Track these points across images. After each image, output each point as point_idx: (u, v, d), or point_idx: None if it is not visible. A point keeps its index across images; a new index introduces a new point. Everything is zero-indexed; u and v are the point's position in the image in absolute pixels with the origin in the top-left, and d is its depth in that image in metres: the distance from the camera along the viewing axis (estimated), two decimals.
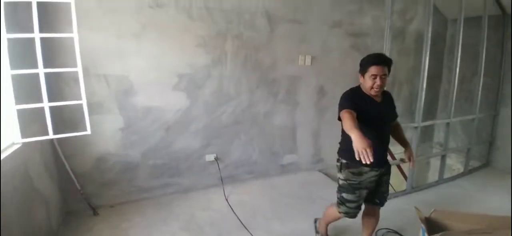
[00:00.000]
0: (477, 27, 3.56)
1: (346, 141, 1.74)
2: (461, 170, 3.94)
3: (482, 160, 4.27)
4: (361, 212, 1.97)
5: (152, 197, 2.94)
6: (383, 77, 1.66)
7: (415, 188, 3.29)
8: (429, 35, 2.90)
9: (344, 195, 1.84)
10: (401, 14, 3.99)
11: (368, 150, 1.34)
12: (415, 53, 4.15)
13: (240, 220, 2.57)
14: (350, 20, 3.57)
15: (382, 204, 1.97)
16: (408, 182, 3.24)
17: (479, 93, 3.70)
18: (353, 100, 1.69)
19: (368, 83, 1.69)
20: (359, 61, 1.79)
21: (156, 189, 2.98)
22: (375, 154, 1.40)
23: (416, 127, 3.09)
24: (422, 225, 1.78)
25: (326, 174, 3.71)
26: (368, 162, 1.34)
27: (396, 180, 3.66)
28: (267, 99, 3.32)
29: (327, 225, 2.24)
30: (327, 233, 2.28)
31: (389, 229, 2.44)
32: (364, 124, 1.63)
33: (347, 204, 1.84)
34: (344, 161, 1.83)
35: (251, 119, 3.30)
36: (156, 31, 2.64)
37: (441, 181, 3.52)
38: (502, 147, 4.11)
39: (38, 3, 1.67)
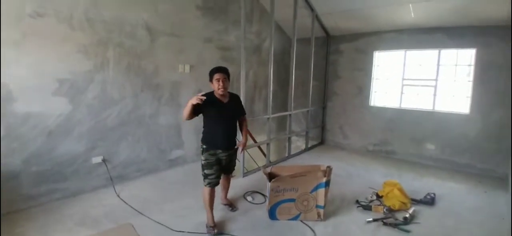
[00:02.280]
0: (310, 45, 5.06)
1: (204, 131, 2.53)
2: (303, 147, 5.45)
3: (318, 140, 5.98)
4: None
5: (39, 204, 2.89)
6: (223, 80, 2.39)
7: (272, 162, 4.43)
8: (272, 51, 4.01)
9: (206, 171, 2.50)
10: (257, 34, 5.19)
11: (195, 98, 2.15)
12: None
13: (134, 208, 2.89)
14: (219, 37, 4.44)
15: (230, 172, 2.85)
16: (266, 158, 4.34)
17: (311, 92, 5.26)
18: (205, 102, 2.30)
19: (215, 85, 2.39)
20: (227, 70, 2.54)
21: (42, 195, 2.92)
22: (223, 140, 2.45)
23: (268, 118, 4.20)
24: (266, 177, 2.70)
25: None
26: (199, 102, 2.15)
27: (260, 158, 4.75)
28: (152, 102, 3.74)
29: (209, 211, 2.56)
30: (214, 221, 2.57)
31: (253, 190, 3.35)
32: (215, 118, 2.44)
33: (209, 177, 2.49)
34: (204, 146, 2.50)
35: (137, 121, 3.64)
36: (37, 39, 2.70)
37: (289, 156, 4.83)
38: (330, 129, 5.90)
39: None
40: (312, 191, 2.62)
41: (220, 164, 2.55)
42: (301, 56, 4.82)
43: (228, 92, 2.53)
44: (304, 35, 5.07)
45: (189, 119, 2.36)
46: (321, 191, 2.60)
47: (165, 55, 3.80)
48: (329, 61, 5.73)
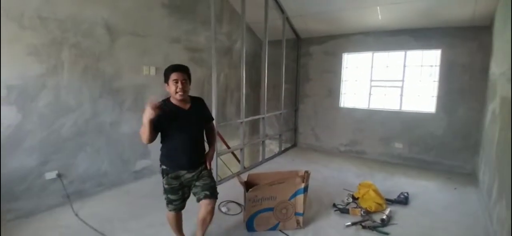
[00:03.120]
0: (281, 47, 5.00)
1: (163, 148, 2.01)
2: (277, 150, 5.37)
3: (291, 142, 5.95)
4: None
5: None
6: (183, 82, 1.88)
7: (246, 168, 4.28)
8: (244, 53, 3.86)
9: (170, 196, 2.03)
10: (228, 35, 5.02)
11: (148, 107, 1.68)
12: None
13: (94, 229, 2.57)
14: (187, 37, 4.20)
15: (213, 195, 2.06)
16: (241, 164, 4.18)
17: (283, 95, 5.20)
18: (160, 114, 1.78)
19: (172, 88, 1.88)
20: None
21: None
22: (187, 158, 1.94)
23: (241, 122, 4.05)
24: (243, 186, 2.54)
25: None
26: (158, 112, 1.70)
27: (234, 163, 4.58)
28: (113, 108, 3.41)
29: (177, 232, 2.27)
30: None
31: (228, 200, 3.17)
32: (175, 131, 1.92)
33: (174, 203, 2.04)
34: (164, 167, 2.00)
35: (97, 130, 3.29)
36: None
37: (264, 160, 4.72)
38: (303, 132, 5.89)
39: None
40: (291, 198, 2.50)
41: (188, 186, 2.08)
42: (272, 58, 4.75)
43: (189, 96, 2.02)
44: (275, 37, 5.02)
45: (151, 141, 1.84)
46: (300, 197, 2.50)
47: (128, 56, 3.49)
48: (300, 63, 5.73)
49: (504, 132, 2.54)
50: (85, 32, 3.07)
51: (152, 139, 1.84)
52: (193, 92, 2.12)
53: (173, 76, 1.88)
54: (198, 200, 2.06)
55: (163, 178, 2.04)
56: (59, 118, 2.96)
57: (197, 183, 2.06)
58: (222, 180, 3.74)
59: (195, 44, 4.33)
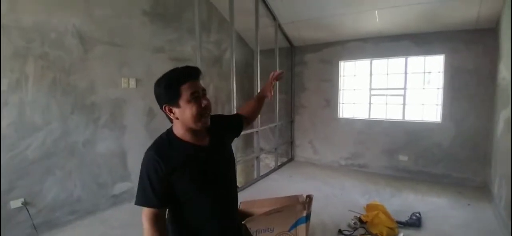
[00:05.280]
0: (274, 56, 4.70)
1: (176, 228, 1.14)
2: (273, 165, 5.00)
3: (287, 156, 5.59)
4: None
5: None
6: (205, 95, 1.11)
7: (239, 188, 3.90)
8: (234, 62, 3.55)
9: None
10: (217, 44, 4.71)
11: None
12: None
13: None
14: (171, 47, 3.87)
15: None
16: None
17: (277, 106, 4.87)
18: (158, 170, 1.02)
19: (189, 110, 1.04)
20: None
21: None
22: (221, 229, 1.12)
23: None
24: None
25: None
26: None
27: None
28: (87, 125, 3.04)
29: None
30: None
31: None
32: (199, 192, 1.09)
33: None
34: None
35: (68, 150, 2.91)
36: None
37: (259, 177, 4.34)
38: (300, 145, 5.54)
39: None
40: (291, 228, 2.13)
41: None
42: (265, 68, 4.45)
43: None
44: (268, 46, 4.74)
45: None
46: (301, 227, 2.13)
47: (103, 68, 3.14)
48: (295, 72, 5.44)
49: None
50: (53, 42, 2.74)
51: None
52: None
53: (189, 88, 1.04)
54: None
55: None
56: (24, 138, 2.61)
57: None
58: None
59: (181, 53, 4.00)
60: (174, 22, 3.90)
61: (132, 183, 3.49)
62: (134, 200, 1.09)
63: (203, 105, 1.06)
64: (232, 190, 1.22)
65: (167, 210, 1.12)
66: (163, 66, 3.71)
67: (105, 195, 3.27)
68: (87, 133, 3.04)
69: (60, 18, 2.77)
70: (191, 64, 1.15)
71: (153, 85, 1.09)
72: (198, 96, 1.05)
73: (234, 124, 1.38)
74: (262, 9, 4.17)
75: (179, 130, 1.10)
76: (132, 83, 3.38)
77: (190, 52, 4.10)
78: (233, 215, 1.23)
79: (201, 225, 1.12)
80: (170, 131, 1.12)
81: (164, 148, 1.06)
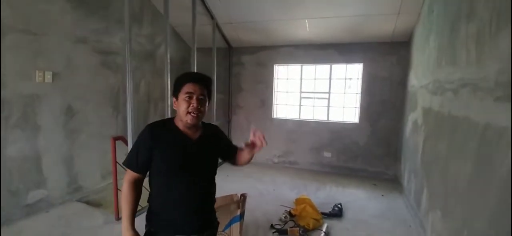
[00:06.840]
0: (211, 55, 4.64)
1: (152, 196, 1.33)
2: None
3: None
4: None
5: None
6: (200, 99, 1.28)
7: None
8: (169, 58, 3.39)
9: None
10: (150, 38, 4.45)
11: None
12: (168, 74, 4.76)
13: None
14: (97, 38, 3.50)
15: None
16: None
17: (215, 105, 4.86)
18: (147, 141, 1.27)
19: (182, 105, 1.27)
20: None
21: None
22: (188, 215, 1.26)
23: None
24: None
25: (87, 202, 3.32)
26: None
27: None
28: None
29: None
30: None
31: None
32: (175, 172, 1.28)
33: None
34: (150, 227, 1.33)
35: None
36: None
37: None
38: (237, 144, 5.59)
39: None
40: (226, 228, 2.18)
41: None
42: (203, 66, 4.37)
43: (202, 122, 1.39)
44: (206, 45, 4.69)
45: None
46: (236, 226, 2.19)
47: (15, 59, 2.67)
48: (232, 73, 5.50)
49: (430, 142, 2.71)
50: None
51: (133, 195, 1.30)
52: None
53: (187, 87, 1.27)
54: None
55: None
56: None
57: None
58: (142, 209, 3.16)
59: (108, 45, 3.65)
60: (101, 10, 3.53)
61: (48, 191, 3.06)
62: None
63: (191, 105, 1.26)
64: (203, 187, 1.35)
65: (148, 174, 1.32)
66: (86, 59, 3.38)
67: (17, 204, 2.79)
68: None
69: None
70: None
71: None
72: (191, 96, 1.27)
73: (226, 148, 1.52)
74: (199, 7, 4.10)
75: (177, 118, 1.34)
76: (49, 76, 2.95)
77: (118, 44, 3.78)
78: (204, 207, 1.36)
79: (171, 202, 1.28)
80: (171, 118, 1.37)
81: (158, 127, 1.32)
